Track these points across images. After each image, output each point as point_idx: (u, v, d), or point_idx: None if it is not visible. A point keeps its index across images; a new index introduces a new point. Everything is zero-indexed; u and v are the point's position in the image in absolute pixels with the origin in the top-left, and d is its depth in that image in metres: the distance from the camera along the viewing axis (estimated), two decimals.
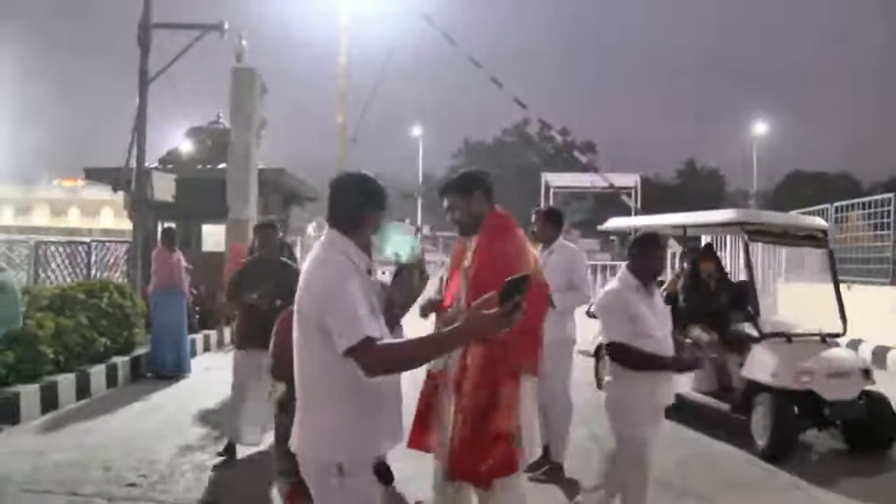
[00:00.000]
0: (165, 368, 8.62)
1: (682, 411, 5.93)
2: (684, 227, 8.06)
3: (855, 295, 9.92)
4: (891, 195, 11.72)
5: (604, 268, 19.33)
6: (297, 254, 15.45)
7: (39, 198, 60.75)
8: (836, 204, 13.04)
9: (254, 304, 5.25)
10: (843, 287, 7.04)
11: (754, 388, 5.99)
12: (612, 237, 23.36)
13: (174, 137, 15.80)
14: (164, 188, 11.09)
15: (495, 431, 3.08)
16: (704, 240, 9.49)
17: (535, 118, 28.61)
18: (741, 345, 6.36)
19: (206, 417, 6.60)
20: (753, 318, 6.43)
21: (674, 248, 8.94)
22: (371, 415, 2.28)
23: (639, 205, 23.22)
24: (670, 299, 6.73)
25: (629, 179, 22.92)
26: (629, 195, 21.83)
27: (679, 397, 5.93)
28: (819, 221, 7.37)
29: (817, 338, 6.23)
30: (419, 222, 45.75)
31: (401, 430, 2.46)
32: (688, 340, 6.18)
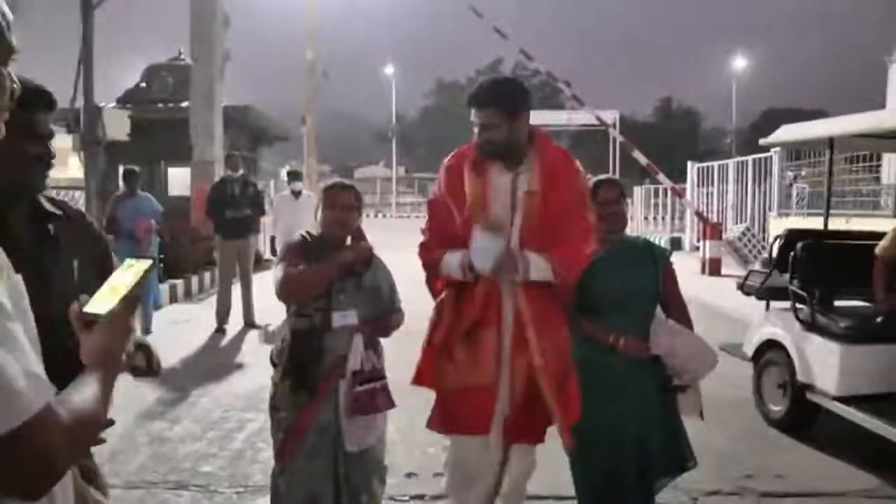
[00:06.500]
0: None
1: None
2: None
3: None
4: None
5: None
6: (270, 196, 14.90)
7: None
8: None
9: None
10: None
11: None
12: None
13: (131, 76, 15.06)
14: (117, 127, 9.91)
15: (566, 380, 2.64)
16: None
17: (514, 53, 27.91)
18: None
19: (168, 379, 5.70)
20: None
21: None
22: None
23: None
24: (889, 266, 4.21)
25: (607, 116, 22.54)
26: (614, 128, 21.52)
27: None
28: None
29: None
30: (394, 164, 45.10)
31: None
32: None
